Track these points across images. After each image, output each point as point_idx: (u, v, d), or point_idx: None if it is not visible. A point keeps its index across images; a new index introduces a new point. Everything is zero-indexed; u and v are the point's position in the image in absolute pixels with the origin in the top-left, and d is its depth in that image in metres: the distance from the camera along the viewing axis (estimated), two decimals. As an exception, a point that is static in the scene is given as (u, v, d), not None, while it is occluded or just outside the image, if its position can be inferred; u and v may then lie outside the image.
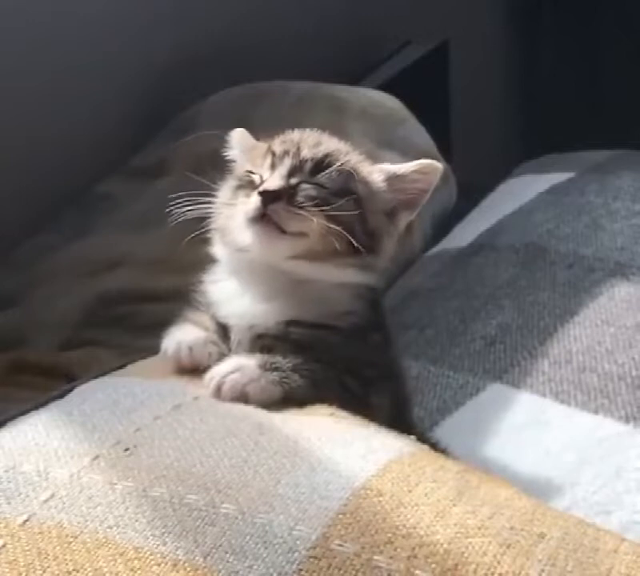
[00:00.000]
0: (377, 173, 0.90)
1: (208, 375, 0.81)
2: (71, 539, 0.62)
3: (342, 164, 0.86)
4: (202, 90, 1.68)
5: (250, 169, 0.89)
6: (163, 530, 0.62)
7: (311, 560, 0.60)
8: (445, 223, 1.64)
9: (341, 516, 0.63)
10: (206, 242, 0.91)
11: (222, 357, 0.84)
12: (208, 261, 0.92)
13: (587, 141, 1.74)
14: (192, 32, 1.78)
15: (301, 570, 0.59)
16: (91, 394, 0.82)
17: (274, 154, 0.87)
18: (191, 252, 0.93)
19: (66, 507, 0.64)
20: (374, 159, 0.93)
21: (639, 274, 1.29)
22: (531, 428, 1.09)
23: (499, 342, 1.22)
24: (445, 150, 1.71)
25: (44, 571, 0.60)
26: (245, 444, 0.70)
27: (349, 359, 0.84)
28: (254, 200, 0.84)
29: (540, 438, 1.07)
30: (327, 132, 0.92)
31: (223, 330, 0.87)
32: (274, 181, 0.84)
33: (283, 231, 0.83)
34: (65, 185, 1.56)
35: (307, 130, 0.92)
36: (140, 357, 0.93)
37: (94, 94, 1.60)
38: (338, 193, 0.85)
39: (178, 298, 0.93)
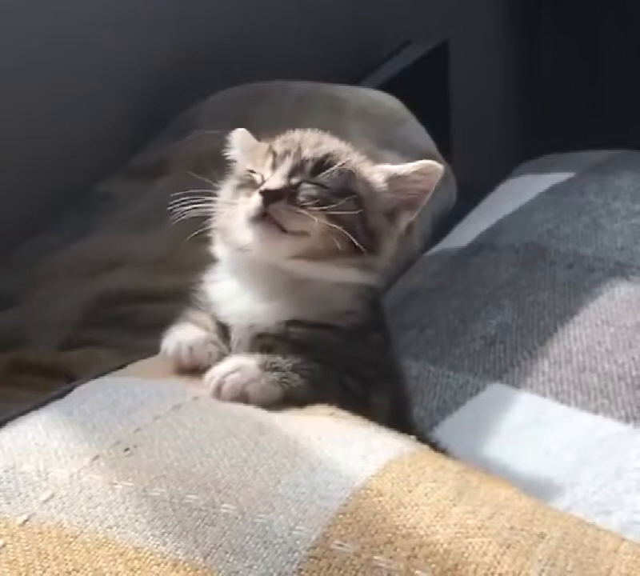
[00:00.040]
0: (377, 173, 0.90)
1: (208, 375, 0.81)
2: (71, 539, 0.62)
3: (342, 164, 0.86)
4: (202, 89, 1.68)
5: (251, 168, 0.89)
6: (163, 530, 0.62)
7: (311, 560, 0.60)
8: (445, 223, 1.64)
9: (341, 516, 0.63)
10: (206, 241, 0.91)
11: (222, 357, 0.84)
12: (208, 261, 0.92)
13: (587, 141, 1.74)
14: (192, 32, 1.78)
15: (301, 570, 0.59)
16: (91, 394, 0.82)
17: (275, 154, 0.87)
18: (191, 252, 0.94)
19: (66, 507, 0.64)
20: (375, 159, 0.93)
21: (639, 273, 1.29)
22: (531, 428, 1.09)
23: (499, 342, 1.22)
24: (445, 150, 1.71)
25: (44, 571, 0.60)
26: (245, 444, 0.70)
27: (349, 359, 0.84)
28: (256, 199, 0.84)
29: (540, 437, 1.07)
30: (327, 132, 0.93)
31: (223, 330, 0.87)
32: (275, 180, 0.85)
33: (284, 230, 0.83)
34: (65, 185, 1.56)
35: (308, 130, 0.92)
36: (140, 357, 0.93)
37: (93, 93, 1.60)
38: (339, 193, 0.85)
39: (178, 298, 0.93)
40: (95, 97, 1.60)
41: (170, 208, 0.84)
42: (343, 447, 0.71)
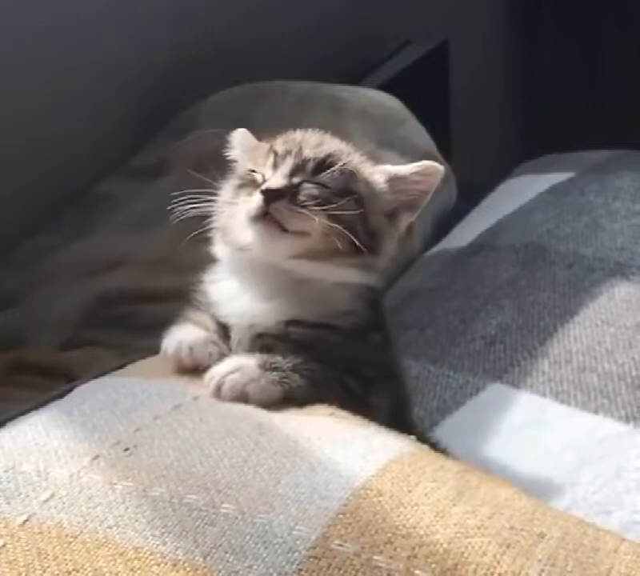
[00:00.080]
0: (378, 174, 0.90)
1: (208, 375, 0.81)
2: (71, 539, 0.62)
3: (344, 164, 0.86)
4: (202, 89, 1.68)
5: (252, 168, 0.89)
6: (163, 530, 0.62)
7: (311, 560, 0.60)
8: (445, 223, 1.64)
9: (341, 516, 0.63)
10: (206, 241, 0.91)
11: (222, 357, 0.84)
12: (208, 260, 0.92)
13: (587, 141, 1.74)
14: (192, 32, 1.78)
15: (301, 569, 0.59)
16: (91, 394, 0.82)
17: (276, 154, 0.87)
18: (191, 252, 0.93)
19: (66, 507, 0.64)
20: (375, 160, 0.93)
21: (639, 273, 1.29)
22: (531, 428, 1.09)
23: (499, 342, 1.22)
24: (445, 150, 1.71)
25: (44, 571, 0.60)
26: (245, 444, 0.70)
27: (349, 359, 0.84)
28: (257, 198, 0.84)
29: (540, 437, 1.07)
30: (327, 132, 0.93)
31: (224, 330, 0.87)
32: (276, 180, 0.85)
33: (285, 230, 0.83)
34: (65, 185, 1.56)
35: (309, 130, 0.92)
36: (140, 357, 0.93)
37: (93, 93, 1.60)
38: (340, 192, 0.85)
39: (178, 298, 0.93)
40: (95, 97, 1.60)
41: (170, 208, 0.84)
42: (343, 447, 0.71)
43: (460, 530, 0.62)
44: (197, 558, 0.60)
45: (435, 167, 0.89)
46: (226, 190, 0.90)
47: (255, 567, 0.60)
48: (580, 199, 1.50)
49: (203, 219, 0.89)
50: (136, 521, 0.63)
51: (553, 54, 2.85)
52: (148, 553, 0.61)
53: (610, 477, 0.98)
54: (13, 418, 0.78)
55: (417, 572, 0.59)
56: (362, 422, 0.78)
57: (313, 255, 0.85)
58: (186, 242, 0.90)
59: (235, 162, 0.95)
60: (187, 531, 0.62)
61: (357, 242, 0.83)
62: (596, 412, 1.08)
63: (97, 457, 0.69)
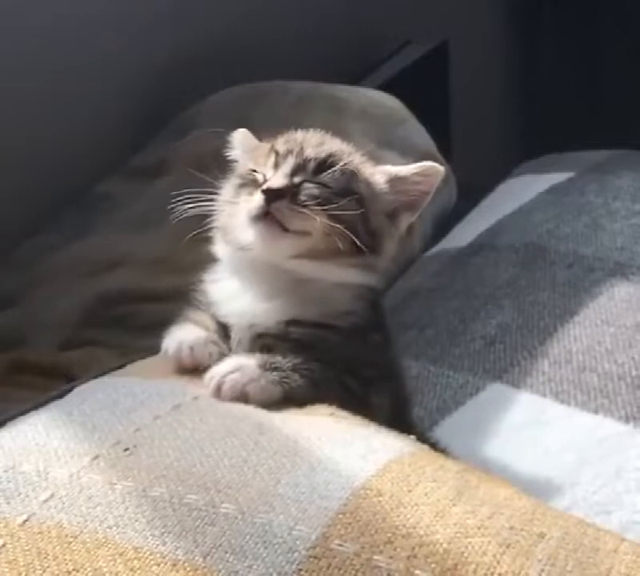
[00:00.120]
0: (379, 174, 0.90)
1: (208, 375, 0.81)
2: (71, 539, 0.62)
3: (345, 164, 0.87)
4: (202, 90, 1.68)
5: (253, 167, 0.89)
6: (163, 530, 0.62)
7: (311, 560, 0.60)
8: (445, 223, 1.64)
9: (341, 516, 0.63)
10: (206, 241, 0.91)
11: (222, 356, 0.84)
12: (208, 260, 0.92)
13: (587, 141, 1.74)
14: (192, 32, 1.78)
15: (300, 569, 0.59)
16: (91, 394, 0.82)
17: (277, 153, 0.87)
18: (191, 252, 0.94)
19: (66, 507, 0.64)
20: (375, 160, 0.93)
21: (639, 273, 1.29)
22: (531, 428, 1.09)
23: (499, 342, 1.22)
24: (445, 150, 1.71)
25: (44, 571, 0.60)
26: (245, 444, 0.70)
27: (349, 359, 0.84)
28: (258, 198, 0.84)
29: (540, 437, 1.07)
30: (328, 132, 0.93)
31: (224, 330, 0.87)
32: (277, 179, 0.85)
33: (286, 229, 0.83)
34: (65, 185, 1.56)
35: (310, 130, 0.92)
36: (140, 357, 0.93)
37: (93, 93, 1.60)
38: (341, 192, 0.85)
39: (178, 298, 0.93)
40: (95, 97, 1.60)
41: (170, 207, 0.84)
42: (343, 447, 0.71)
43: (460, 529, 0.62)
44: (197, 557, 0.60)
45: (436, 168, 0.89)
46: (227, 189, 0.90)
47: (255, 567, 0.60)
48: (580, 199, 1.50)
49: (203, 219, 0.89)
50: (136, 521, 0.63)
51: (553, 53, 2.85)
52: (148, 553, 0.61)
53: (609, 477, 0.98)
54: (13, 417, 0.78)
55: (417, 572, 0.59)
56: (361, 422, 0.78)
57: (313, 255, 0.85)
58: (185, 241, 0.90)
59: (236, 162, 0.95)
60: (187, 531, 0.62)
61: (358, 242, 0.83)
62: (596, 412, 1.08)
63: (97, 457, 0.69)
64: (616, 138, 1.76)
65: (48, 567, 0.61)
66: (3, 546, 0.62)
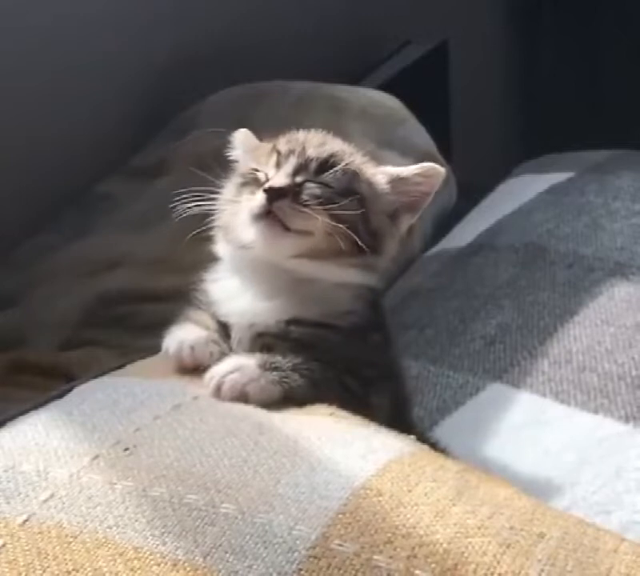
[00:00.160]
0: (380, 175, 0.90)
1: (208, 375, 0.81)
2: (71, 539, 0.62)
3: (346, 164, 0.87)
4: (202, 90, 1.68)
5: (254, 167, 0.89)
6: (163, 530, 0.62)
7: (311, 560, 0.60)
8: (445, 223, 1.64)
9: (340, 516, 0.63)
10: (206, 240, 0.91)
11: (222, 356, 0.84)
12: (208, 260, 0.92)
13: (587, 141, 1.74)
14: (192, 32, 1.78)
15: (300, 569, 0.59)
16: (91, 393, 0.82)
17: (279, 153, 0.87)
18: (191, 251, 0.94)
19: (66, 507, 0.64)
20: (375, 160, 0.93)
21: (639, 273, 1.29)
22: (531, 428, 1.09)
23: (499, 342, 1.22)
24: (445, 150, 1.71)
25: (44, 571, 0.60)
26: (245, 444, 0.70)
27: (349, 359, 0.84)
28: (260, 197, 0.84)
29: (540, 437, 1.07)
30: (328, 132, 0.93)
31: (224, 329, 0.87)
32: (279, 178, 0.85)
33: (287, 229, 0.83)
34: (65, 185, 1.56)
35: (312, 130, 0.92)
36: (140, 357, 0.93)
37: (93, 93, 1.60)
38: (343, 192, 0.85)
39: (178, 298, 0.93)
40: (95, 97, 1.60)
41: (171, 206, 0.84)
42: (343, 447, 0.71)
43: (460, 529, 0.62)
44: (197, 557, 0.60)
45: (436, 169, 0.89)
46: (229, 188, 0.90)
47: (255, 567, 0.60)
48: (580, 199, 1.50)
49: (203, 218, 0.89)
50: (136, 521, 0.63)
51: (553, 53, 2.85)
52: (148, 553, 0.61)
53: (609, 477, 0.98)
54: (13, 417, 0.78)
55: (417, 572, 0.59)
56: (361, 422, 0.78)
57: (315, 255, 0.85)
58: (186, 241, 0.90)
59: (236, 161, 0.95)
60: (187, 531, 0.62)
61: (359, 242, 0.83)
62: (596, 412, 1.08)
63: (97, 457, 0.69)
64: (616, 138, 1.76)
65: (48, 567, 0.61)
66: (3, 545, 0.62)
